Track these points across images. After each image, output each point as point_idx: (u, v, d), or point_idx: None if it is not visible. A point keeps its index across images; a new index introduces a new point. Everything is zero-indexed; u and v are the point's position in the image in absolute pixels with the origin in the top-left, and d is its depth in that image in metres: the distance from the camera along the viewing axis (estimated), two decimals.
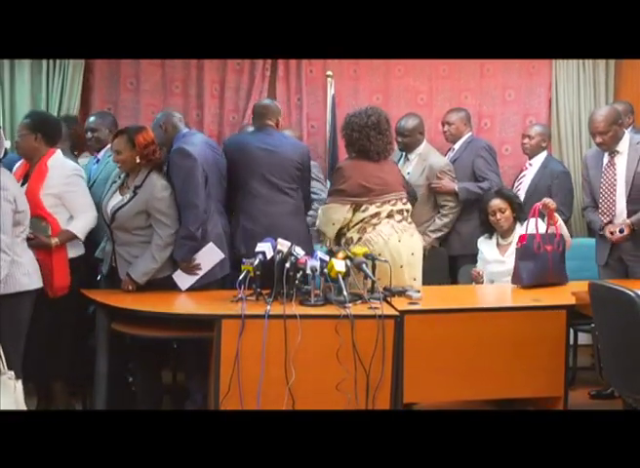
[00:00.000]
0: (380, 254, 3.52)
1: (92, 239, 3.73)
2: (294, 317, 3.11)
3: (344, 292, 3.20)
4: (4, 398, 2.71)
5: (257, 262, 3.23)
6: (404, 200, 3.78)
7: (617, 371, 2.87)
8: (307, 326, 3.12)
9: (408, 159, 4.60)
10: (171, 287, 3.60)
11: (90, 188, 3.83)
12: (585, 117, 4.76)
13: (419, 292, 3.44)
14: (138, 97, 4.85)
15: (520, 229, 4.01)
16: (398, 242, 3.64)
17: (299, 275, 3.24)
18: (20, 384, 2.80)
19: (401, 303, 3.33)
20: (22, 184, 3.52)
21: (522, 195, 4.51)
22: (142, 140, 3.52)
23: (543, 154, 4.70)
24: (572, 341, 3.82)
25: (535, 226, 3.76)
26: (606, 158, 4.04)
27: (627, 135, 4.04)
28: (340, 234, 3.74)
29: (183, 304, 3.51)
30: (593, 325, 2.99)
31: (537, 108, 5.14)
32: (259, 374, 3.10)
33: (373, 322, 3.16)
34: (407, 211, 3.78)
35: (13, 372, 2.81)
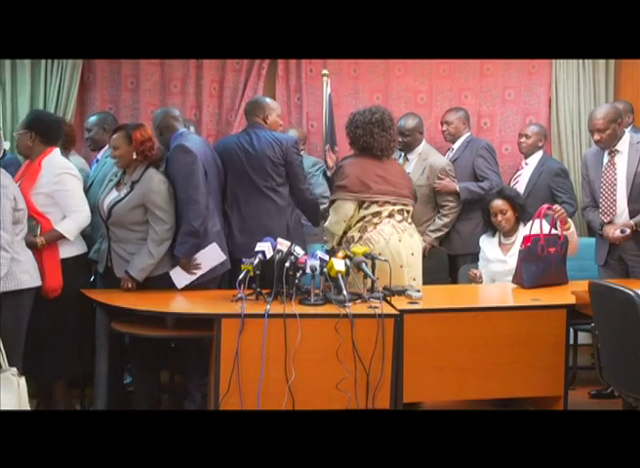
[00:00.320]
0: (380, 254, 3.53)
1: (87, 239, 3.73)
2: (293, 316, 3.11)
3: (344, 292, 3.20)
4: (7, 394, 2.69)
5: (256, 262, 3.24)
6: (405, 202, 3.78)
7: (617, 371, 2.87)
8: (307, 325, 3.12)
9: (407, 159, 4.60)
10: (168, 284, 3.60)
11: (88, 188, 3.83)
12: (585, 117, 4.75)
13: (419, 291, 3.45)
14: (138, 97, 4.85)
15: (523, 229, 4.01)
16: (398, 242, 3.65)
17: (298, 274, 3.25)
18: (23, 381, 2.78)
19: (401, 303, 3.33)
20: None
21: None
22: (140, 136, 3.55)
23: (539, 153, 4.69)
24: (572, 341, 3.82)
25: (539, 227, 3.75)
26: (606, 158, 4.03)
27: (627, 134, 4.04)
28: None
29: (183, 304, 3.51)
30: (593, 324, 2.99)
31: (536, 108, 5.13)
32: (258, 374, 3.10)
33: (373, 321, 3.16)
34: (407, 211, 3.79)
35: (15, 369, 2.80)
